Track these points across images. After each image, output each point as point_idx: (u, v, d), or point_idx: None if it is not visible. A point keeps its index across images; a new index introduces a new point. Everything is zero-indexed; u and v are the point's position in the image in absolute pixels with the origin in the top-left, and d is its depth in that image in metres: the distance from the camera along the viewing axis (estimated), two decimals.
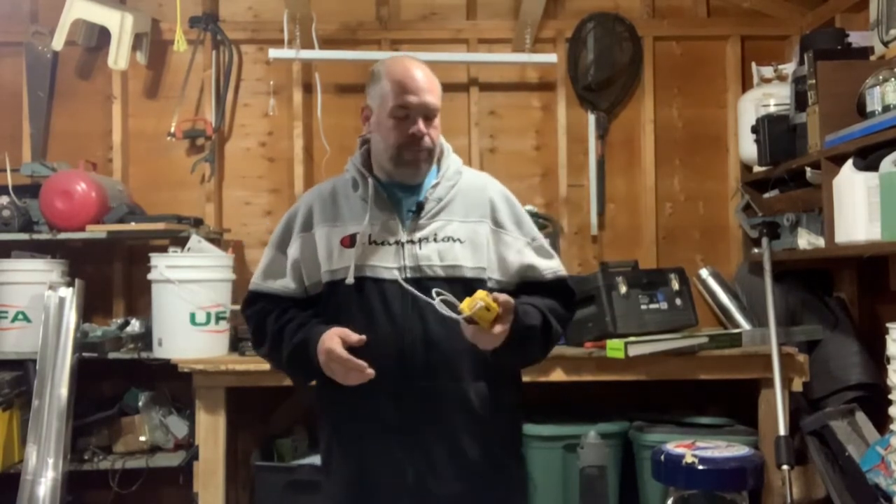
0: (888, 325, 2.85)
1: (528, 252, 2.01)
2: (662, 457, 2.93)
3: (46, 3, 3.95)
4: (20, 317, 3.53)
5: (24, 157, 3.88)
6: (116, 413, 3.61)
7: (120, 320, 3.73)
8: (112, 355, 3.47)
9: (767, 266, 3.42)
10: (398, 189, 1.98)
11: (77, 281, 3.47)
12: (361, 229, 1.93)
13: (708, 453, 2.87)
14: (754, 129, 3.55)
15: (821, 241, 3.18)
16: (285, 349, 1.94)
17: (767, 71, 3.84)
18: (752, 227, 3.69)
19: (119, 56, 3.70)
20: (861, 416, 3.17)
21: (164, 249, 3.58)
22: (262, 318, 2.02)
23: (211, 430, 3.29)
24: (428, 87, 1.93)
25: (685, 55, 4.09)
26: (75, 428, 3.43)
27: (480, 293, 1.76)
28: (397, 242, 1.93)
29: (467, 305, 1.74)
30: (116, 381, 3.75)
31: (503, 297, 1.79)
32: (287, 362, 1.97)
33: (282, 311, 1.99)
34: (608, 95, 4.02)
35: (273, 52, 3.83)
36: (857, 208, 2.80)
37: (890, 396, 2.85)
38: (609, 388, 3.40)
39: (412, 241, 1.92)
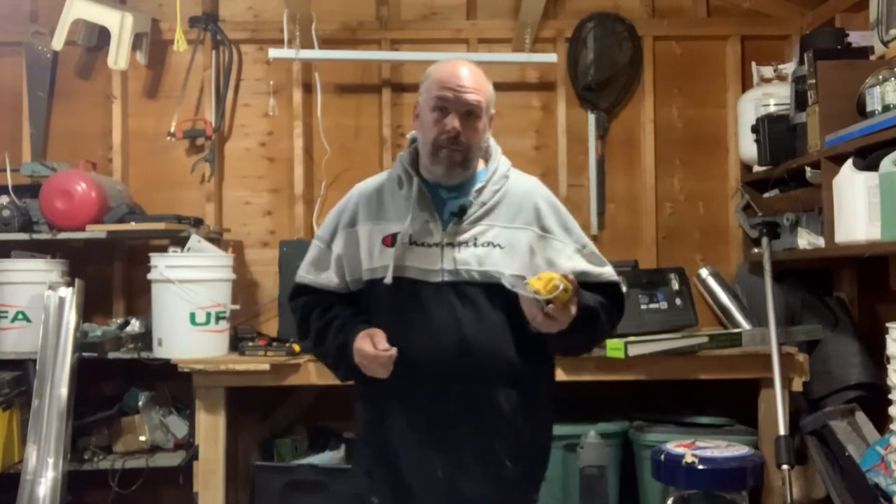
0: (888, 324, 2.85)
1: (579, 258, 2.00)
2: (662, 457, 2.93)
3: (46, 3, 3.95)
4: (20, 317, 3.53)
5: (24, 157, 3.89)
6: (116, 413, 3.61)
7: (120, 320, 3.73)
8: (112, 355, 3.47)
9: (767, 266, 3.42)
10: (443, 189, 1.97)
11: (77, 281, 3.47)
12: (403, 229, 1.92)
13: (708, 453, 2.87)
14: (754, 129, 3.55)
15: (821, 241, 3.18)
16: (329, 348, 1.97)
17: (767, 71, 3.84)
18: (752, 227, 3.69)
19: (119, 56, 3.70)
20: (861, 416, 3.17)
21: (164, 249, 3.58)
22: (307, 312, 2.04)
23: (211, 430, 3.29)
24: (470, 85, 1.90)
25: (685, 55, 4.09)
26: (75, 428, 3.43)
27: (548, 274, 1.76)
28: (438, 245, 1.91)
29: (543, 287, 1.73)
30: (116, 381, 3.75)
31: (571, 276, 1.78)
32: (331, 362, 2.01)
33: (325, 309, 2.01)
34: (608, 95, 4.02)
35: (273, 52, 3.82)
36: (857, 208, 2.80)
37: (890, 396, 2.85)
38: (609, 387, 3.40)
39: (452, 245, 1.91)
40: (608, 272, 2.03)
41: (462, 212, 1.92)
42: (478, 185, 1.96)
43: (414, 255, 1.91)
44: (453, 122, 1.88)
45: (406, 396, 1.90)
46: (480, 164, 2.02)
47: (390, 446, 1.94)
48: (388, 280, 1.89)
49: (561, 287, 1.73)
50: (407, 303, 1.90)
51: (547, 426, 2.08)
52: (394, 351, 1.83)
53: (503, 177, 2.00)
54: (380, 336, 1.86)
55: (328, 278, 2.03)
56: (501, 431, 1.91)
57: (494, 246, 1.92)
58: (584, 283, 1.94)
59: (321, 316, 2.01)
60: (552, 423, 2.11)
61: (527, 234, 1.95)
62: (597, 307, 1.93)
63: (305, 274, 2.07)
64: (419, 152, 1.99)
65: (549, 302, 1.74)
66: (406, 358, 1.85)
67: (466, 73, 1.92)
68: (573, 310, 1.79)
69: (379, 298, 1.94)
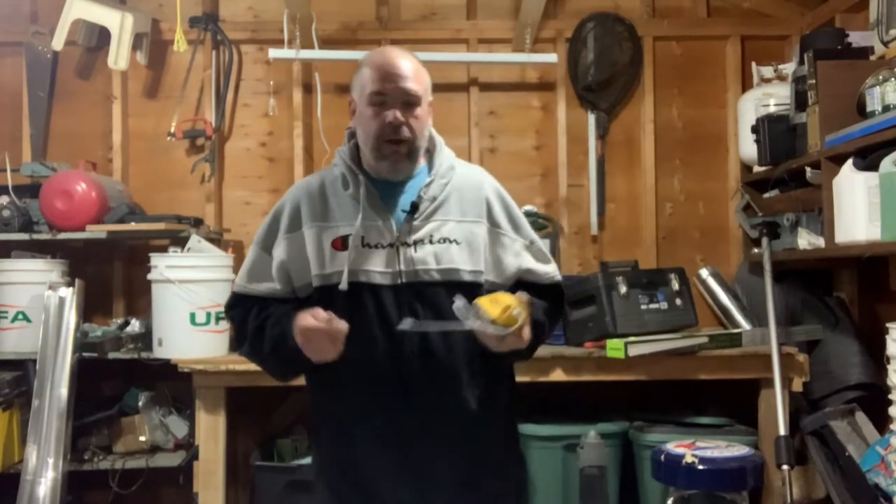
0: (888, 325, 2.85)
1: (527, 255, 1.95)
2: (662, 457, 2.93)
3: (46, 3, 3.95)
4: (20, 317, 3.53)
5: (24, 157, 3.89)
6: (116, 413, 3.61)
7: (120, 320, 3.73)
8: (112, 355, 3.47)
9: (767, 266, 3.42)
10: (390, 187, 1.88)
11: (77, 281, 3.47)
12: (353, 231, 1.83)
13: (708, 453, 2.87)
14: (754, 129, 3.55)
15: (821, 241, 3.18)
16: (266, 344, 1.86)
17: (767, 71, 3.84)
18: (752, 227, 3.69)
19: (119, 56, 3.70)
20: (861, 416, 3.17)
21: (164, 249, 3.58)
22: (243, 317, 1.93)
23: (211, 430, 3.29)
24: (408, 74, 1.83)
25: (685, 55, 4.09)
26: (75, 428, 3.43)
27: (504, 297, 1.71)
28: (391, 245, 1.83)
29: (500, 315, 1.68)
30: (116, 381, 3.75)
31: (525, 296, 1.74)
32: (269, 356, 1.88)
33: (262, 308, 1.90)
34: (608, 95, 4.02)
35: (273, 52, 3.83)
36: (857, 208, 2.80)
37: (890, 396, 2.85)
38: (609, 388, 3.40)
39: (407, 244, 1.83)
40: (552, 270, 2.01)
41: (414, 209, 1.84)
42: (426, 181, 1.88)
43: (367, 258, 1.82)
44: (394, 114, 1.81)
45: (369, 405, 1.83)
46: (423, 159, 1.94)
47: (355, 461, 1.86)
48: (344, 286, 1.80)
49: (518, 316, 1.69)
50: (365, 308, 1.81)
51: (513, 426, 2.04)
52: (343, 324, 1.71)
53: (450, 169, 1.92)
54: (322, 311, 1.73)
55: (271, 288, 1.91)
56: (468, 433, 1.85)
57: (451, 242, 1.85)
58: (528, 282, 1.94)
59: (258, 315, 1.90)
60: (516, 423, 2.08)
61: (481, 228, 1.89)
62: (544, 320, 1.92)
63: (244, 283, 1.95)
64: (360, 148, 1.91)
65: (506, 331, 1.70)
66: (367, 364, 1.80)
67: (402, 61, 1.84)
68: (527, 332, 1.77)
69: (334, 305, 1.79)
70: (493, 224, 1.92)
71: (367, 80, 1.85)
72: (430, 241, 1.84)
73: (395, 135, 1.82)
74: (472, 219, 1.89)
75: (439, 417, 1.83)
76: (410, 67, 1.85)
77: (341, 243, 1.84)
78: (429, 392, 1.82)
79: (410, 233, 1.84)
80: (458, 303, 1.70)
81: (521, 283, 1.94)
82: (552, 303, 1.99)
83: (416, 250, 1.83)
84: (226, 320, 3.49)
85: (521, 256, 1.94)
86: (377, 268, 1.83)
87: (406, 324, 1.73)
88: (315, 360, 1.78)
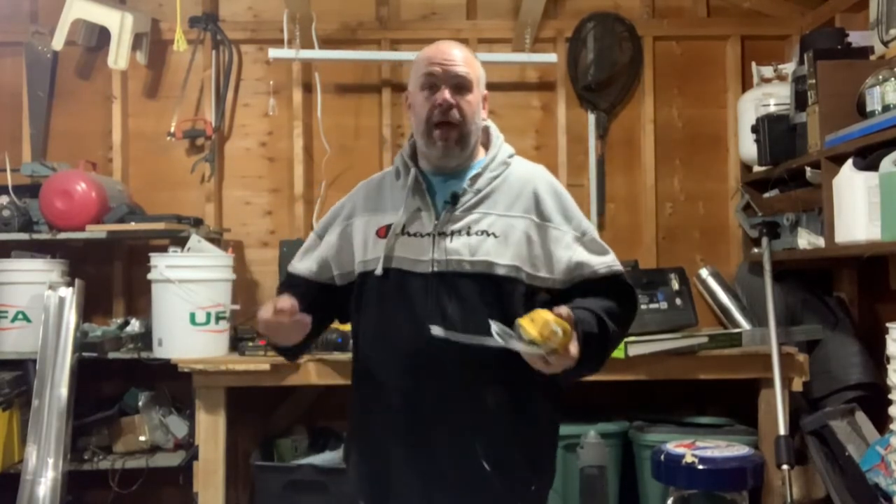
0: (888, 325, 2.85)
1: (578, 247, 1.86)
2: (662, 457, 2.93)
3: (46, 3, 3.94)
4: (20, 317, 3.52)
5: (24, 157, 3.88)
6: (116, 413, 3.60)
7: (120, 320, 3.73)
8: (112, 355, 3.47)
9: (767, 266, 3.42)
10: (440, 177, 1.89)
11: (77, 281, 3.47)
12: (396, 219, 1.86)
13: (708, 453, 2.87)
14: (754, 129, 3.55)
15: (821, 241, 3.18)
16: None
17: (767, 71, 3.84)
18: (752, 227, 3.69)
19: (119, 56, 3.70)
20: (861, 416, 3.17)
21: (164, 249, 3.58)
22: (278, 294, 1.96)
23: (211, 430, 3.29)
24: (458, 59, 1.85)
25: (685, 55, 4.09)
26: (75, 428, 3.43)
27: (543, 314, 1.60)
28: (429, 234, 1.83)
29: (539, 333, 1.57)
30: (116, 381, 3.75)
31: (565, 310, 1.64)
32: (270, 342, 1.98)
33: (290, 287, 1.95)
34: (608, 95, 4.02)
35: (273, 52, 3.82)
36: (857, 208, 2.80)
37: (890, 396, 2.85)
38: (609, 388, 3.40)
39: (444, 234, 1.82)
40: (610, 261, 1.88)
41: (455, 199, 1.84)
42: (474, 172, 1.88)
43: (404, 246, 1.84)
44: (444, 94, 1.81)
45: (386, 391, 1.83)
46: (481, 153, 1.94)
47: (373, 443, 1.88)
48: (379, 271, 1.82)
49: (558, 332, 1.58)
50: (393, 294, 1.83)
51: (541, 430, 1.91)
52: (296, 313, 1.74)
53: (502, 163, 1.91)
54: (285, 299, 1.75)
55: (308, 266, 1.98)
56: (484, 433, 1.79)
57: (488, 235, 1.81)
58: (586, 279, 1.85)
59: (278, 294, 1.93)
60: (551, 429, 1.95)
61: (524, 223, 1.84)
62: (601, 328, 1.77)
63: (293, 262, 2.04)
64: (417, 144, 1.93)
65: (549, 350, 1.58)
66: (389, 351, 1.81)
67: (453, 48, 1.87)
68: (574, 349, 1.65)
69: (370, 291, 1.87)
70: (542, 217, 1.86)
71: (420, 66, 1.87)
72: (468, 233, 1.82)
73: (445, 117, 1.82)
74: (516, 213, 1.85)
75: (454, 410, 1.80)
76: (461, 54, 1.88)
77: (385, 231, 1.87)
78: (446, 382, 1.78)
79: (450, 223, 1.84)
80: (495, 328, 1.62)
81: (577, 280, 1.86)
82: (618, 300, 1.86)
83: (451, 241, 1.82)
84: (226, 320, 3.49)
85: (571, 249, 1.85)
86: (413, 255, 1.83)
87: (437, 331, 1.69)
88: (281, 343, 1.89)
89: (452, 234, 1.82)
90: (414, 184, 1.87)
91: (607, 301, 1.84)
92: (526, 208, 1.86)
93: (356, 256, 1.91)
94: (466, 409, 1.80)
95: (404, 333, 1.80)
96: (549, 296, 1.83)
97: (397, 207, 1.88)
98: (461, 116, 1.83)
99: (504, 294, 1.79)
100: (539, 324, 1.59)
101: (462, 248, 1.81)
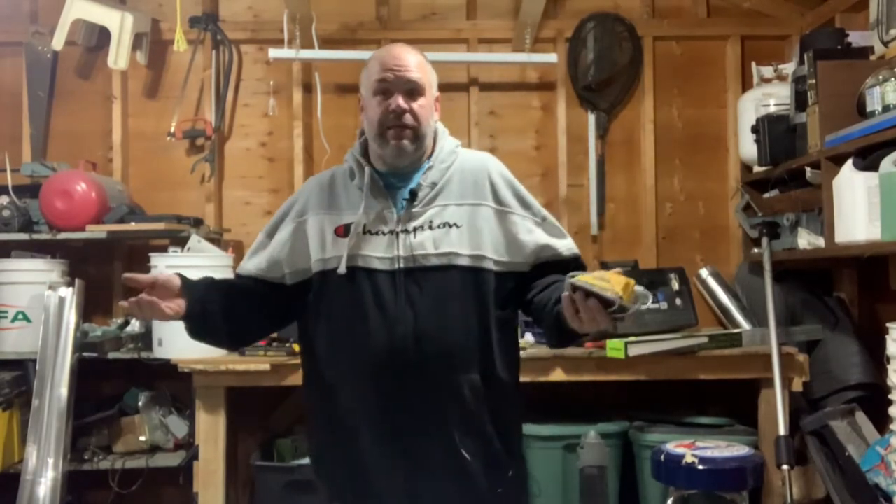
0: (888, 325, 2.85)
1: (540, 232, 1.92)
2: (662, 457, 2.93)
3: (46, 3, 3.95)
4: (20, 317, 3.53)
5: (24, 157, 3.88)
6: (116, 413, 3.61)
7: (120, 320, 3.73)
8: (112, 355, 3.48)
9: (767, 266, 3.42)
10: (395, 177, 1.92)
11: (77, 281, 3.47)
12: (356, 218, 1.87)
13: (708, 453, 2.87)
14: (754, 129, 3.55)
15: (821, 241, 3.18)
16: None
17: (767, 71, 3.84)
18: (752, 227, 3.69)
19: (119, 56, 3.70)
20: (861, 416, 3.17)
21: (164, 249, 3.58)
22: None
23: (211, 430, 3.29)
24: (410, 65, 1.88)
25: (685, 55, 4.09)
26: (75, 428, 3.43)
27: (614, 275, 1.58)
28: (392, 232, 1.86)
29: (622, 288, 1.55)
30: (116, 381, 3.76)
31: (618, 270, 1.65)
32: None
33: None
34: (608, 95, 4.02)
35: (273, 52, 3.83)
36: (857, 208, 2.80)
37: (890, 396, 2.85)
38: (609, 388, 3.40)
39: (406, 231, 1.85)
40: (570, 244, 1.96)
41: (413, 196, 1.88)
42: (426, 167, 1.91)
43: (368, 244, 1.86)
44: (397, 100, 1.85)
45: (361, 391, 1.83)
46: (431, 151, 1.96)
47: (348, 445, 1.86)
48: (342, 270, 1.83)
49: (641, 291, 1.58)
50: (361, 293, 1.84)
51: (513, 419, 1.97)
52: (152, 288, 1.81)
53: (451, 154, 1.95)
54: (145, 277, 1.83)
55: (255, 264, 1.99)
56: (464, 422, 1.83)
57: (451, 226, 1.85)
58: (550, 260, 1.91)
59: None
60: (519, 418, 2.01)
61: (483, 210, 1.89)
62: None
63: (243, 263, 2.05)
64: (368, 143, 1.95)
65: (622, 308, 1.56)
66: (362, 348, 1.81)
67: (405, 53, 1.90)
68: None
69: (332, 290, 1.87)
70: (501, 204, 1.91)
71: (372, 72, 1.90)
72: (430, 227, 1.86)
73: (399, 121, 1.86)
74: (474, 201, 1.90)
75: (433, 403, 1.82)
76: (413, 59, 1.90)
77: (344, 230, 1.89)
78: (422, 375, 1.81)
79: (410, 220, 1.87)
80: (578, 282, 1.58)
81: (541, 262, 1.92)
82: None
83: (415, 236, 1.85)
84: None
85: (534, 233, 1.92)
86: (376, 253, 1.85)
87: (575, 280, 1.60)
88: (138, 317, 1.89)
89: (415, 229, 1.86)
90: (371, 182, 1.90)
91: None
92: (482, 195, 1.91)
93: (312, 255, 1.91)
94: (444, 400, 1.83)
95: (377, 330, 1.82)
96: (514, 281, 1.90)
97: (354, 206, 1.90)
98: (415, 120, 1.87)
99: (473, 283, 1.82)
100: (620, 283, 1.57)
101: (426, 242, 1.84)
